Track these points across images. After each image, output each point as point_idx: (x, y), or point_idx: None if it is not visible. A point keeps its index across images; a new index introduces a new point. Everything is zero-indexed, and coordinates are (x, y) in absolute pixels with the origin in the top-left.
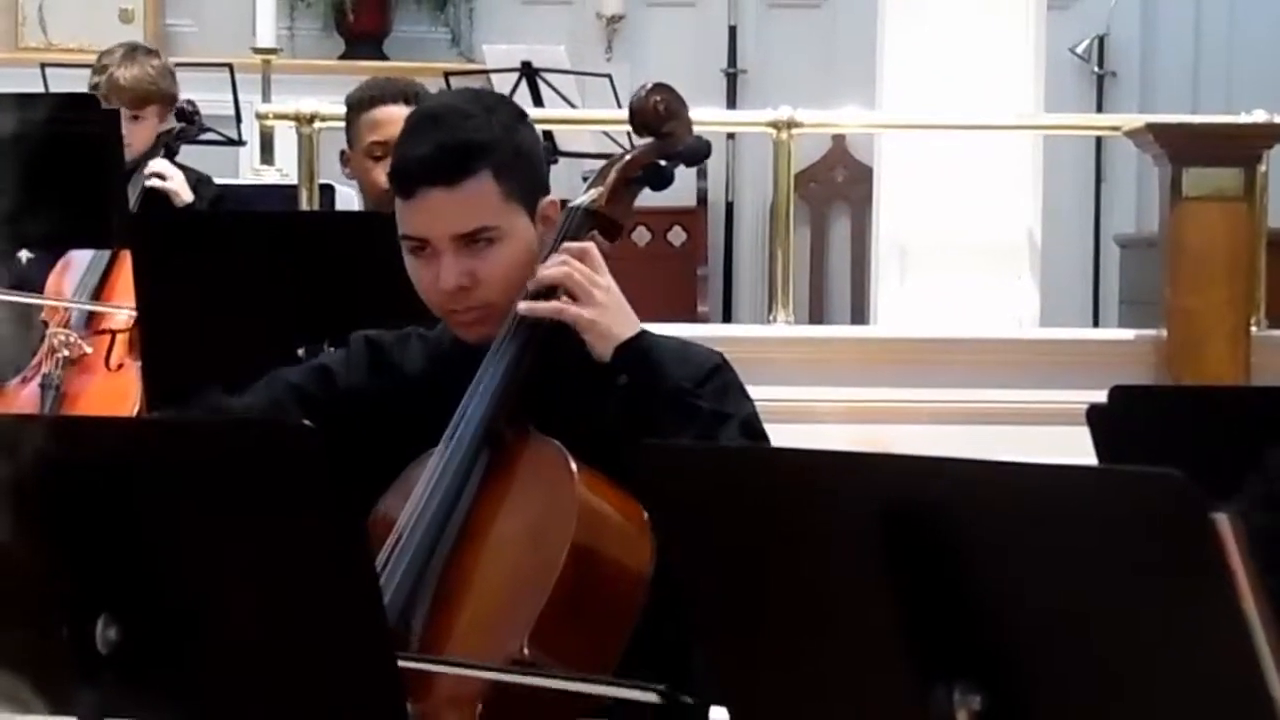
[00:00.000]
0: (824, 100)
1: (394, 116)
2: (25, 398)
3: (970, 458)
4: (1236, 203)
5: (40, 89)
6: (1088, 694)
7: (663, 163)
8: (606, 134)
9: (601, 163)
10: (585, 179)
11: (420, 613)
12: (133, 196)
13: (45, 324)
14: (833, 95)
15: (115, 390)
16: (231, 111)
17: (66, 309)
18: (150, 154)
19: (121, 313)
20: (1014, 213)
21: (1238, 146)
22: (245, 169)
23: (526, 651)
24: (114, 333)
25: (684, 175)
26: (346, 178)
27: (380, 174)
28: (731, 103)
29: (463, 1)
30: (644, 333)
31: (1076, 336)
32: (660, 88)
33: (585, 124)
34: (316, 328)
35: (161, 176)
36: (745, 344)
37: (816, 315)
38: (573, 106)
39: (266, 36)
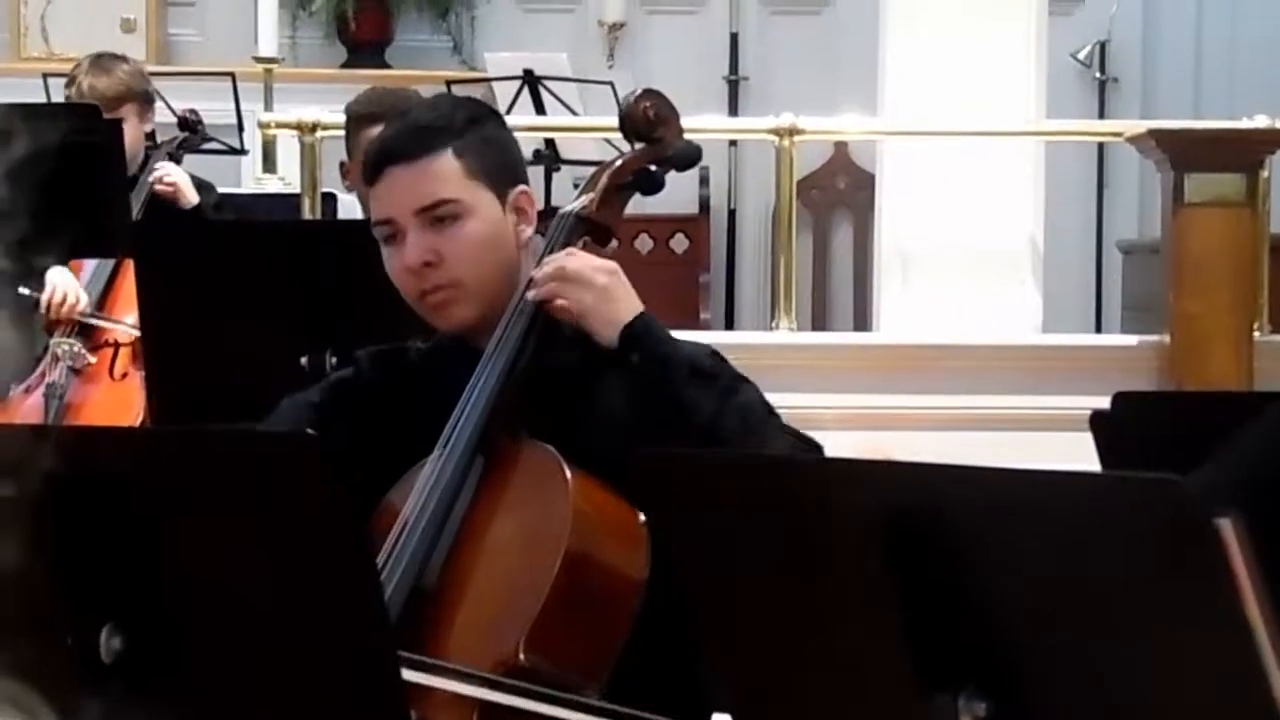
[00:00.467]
0: (826, 107)
1: None
2: (29, 408)
3: (973, 464)
4: (1239, 208)
5: (42, 99)
6: (1092, 700)
7: (653, 168)
8: (608, 141)
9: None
10: (577, 185)
11: (417, 617)
12: (136, 205)
13: (49, 333)
14: (835, 102)
15: (119, 400)
16: (234, 120)
17: (70, 318)
18: (149, 159)
19: (123, 327)
20: (1016, 219)
21: (1240, 152)
22: (247, 178)
23: (523, 655)
24: (118, 343)
25: (686, 182)
26: (346, 188)
27: None
28: (733, 110)
29: (464, 10)
30: (646, 312)
31: (1079, 343)
32: (649, 93)
33: (587, 131)
34: (319, 336)
35: (166, 185)
36: (748, 351)
37: (819, 322)
38: (575, 114)
39: (269, 45)
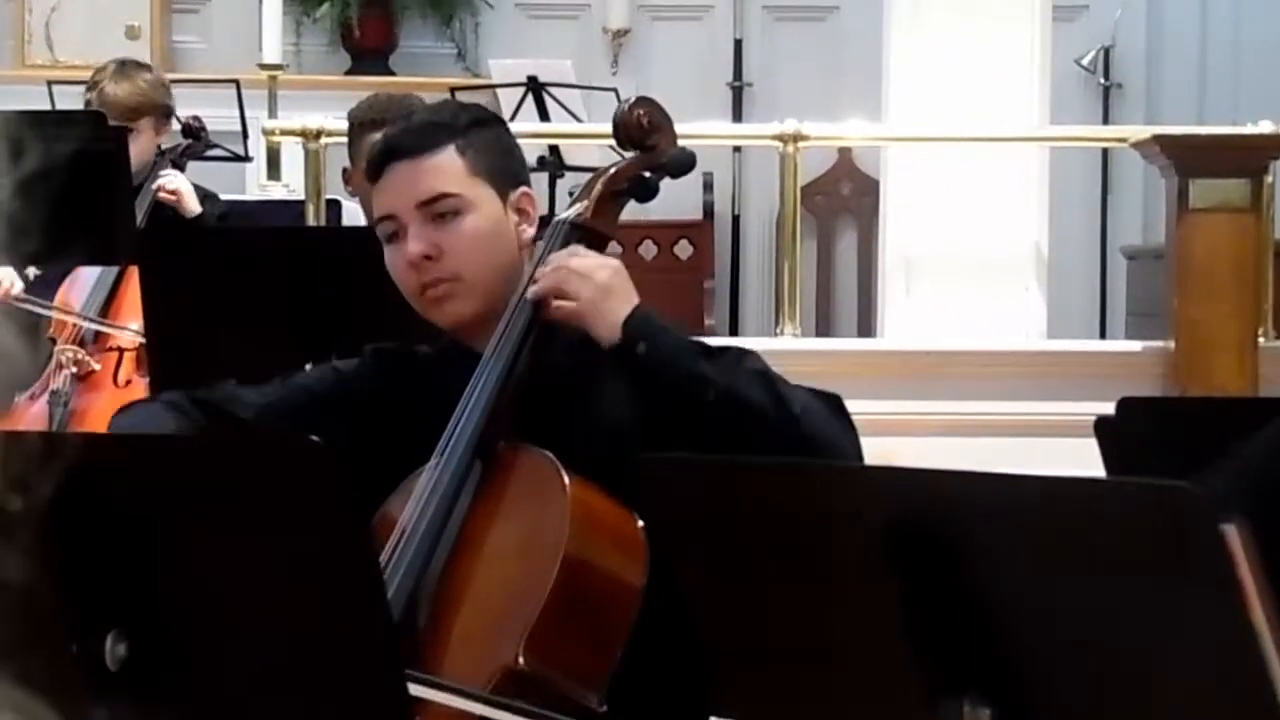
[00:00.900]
0: (830, 113)
1: None
2: (34, 414)
3: (978, 470)
4: (1243, 214)
5: (46, 106)
6: (1096, 705)
7: (648, 175)
8: (613, 148)
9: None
10: (571, 193)
11: (416, 624)
12: (140, 212)
13: (53, 340)
14: (839, 108)
15: None
16: (238, 127)
17: (75, 325)
18: (155, 168)
19: (127, 332)
20: (1021, 225)
21: (1244, 158)
22: (252, 185)
23: (522, 660)
24: (122, 350)
25: (690, 188)
26: (349, 194)
27: None
28: (737, 116)
29: (468, 16)
30: (644, 304)
31: (1084, 348)
32: (643, 101)
33: (591, 138)
34: (323, 342)
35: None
36: None
37: (823, 328)
38: (579, 121)
39: (273, 52)
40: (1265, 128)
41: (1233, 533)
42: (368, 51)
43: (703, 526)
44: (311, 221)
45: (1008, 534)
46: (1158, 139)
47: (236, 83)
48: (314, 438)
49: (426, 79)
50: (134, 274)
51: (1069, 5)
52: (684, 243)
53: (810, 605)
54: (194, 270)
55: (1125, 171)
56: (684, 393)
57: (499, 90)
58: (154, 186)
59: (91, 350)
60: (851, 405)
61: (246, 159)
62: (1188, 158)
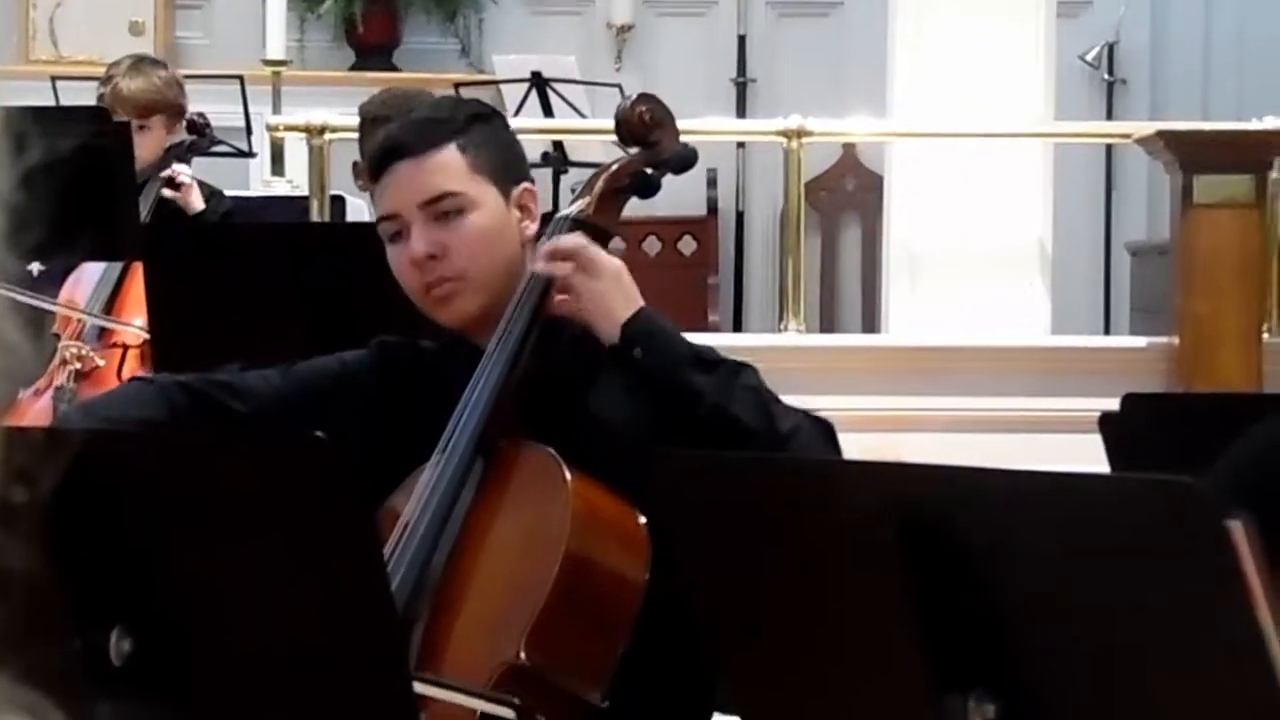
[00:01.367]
0: (834, 109)
1: None
2: (38, 411)
3: (982, 466)
4: (1248, 210)
5: (51, 101)
6: (1102, 701)
7: (649, 171)
8: (617, 144)
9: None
10: (574, 190)
11: (418, 619)
12: (144, 208)
13: (57, 336)
14: (843, 104)
15: None
16: (242, 123)
17: (79, 321)
18: (162, 165)
19: (131, 328)
20: (1025, 220)
21: (1248, 153)
22: (256, 181)
23: (524, 656)
24: (126, 346)
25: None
26: (360, 188)
27: None
28: (741, 112)
29: (472, 12)
30: (647, 305)
31: (1088, 344)
32: (645, 98)
33: (595, 134)
34: (327, 338)
35: (175, 185)
36: (756, 353)
37: (827, 324)
38: (583, 116)
39: (276, 48)
40: (1270, 123)
41: (1238, 528)
42: (371, 47)
43: (710, 521)
44: (315, 217)
45: (1012, 530)
46: (1162, 135)
47: (240, 78)
48: (318, 433)
49: (430, 75)
50: (138, 270)
51: (1073, 1)
52: (688, 238)
53: (816, 600)
54: (198, 266)
55: (1129, 167)
56: (675, 402)
57: (503, 86)
58: (164, 175)
59: (95, 346)
60: (855, 401)
61: (250, 155)
62: (1192, 153)
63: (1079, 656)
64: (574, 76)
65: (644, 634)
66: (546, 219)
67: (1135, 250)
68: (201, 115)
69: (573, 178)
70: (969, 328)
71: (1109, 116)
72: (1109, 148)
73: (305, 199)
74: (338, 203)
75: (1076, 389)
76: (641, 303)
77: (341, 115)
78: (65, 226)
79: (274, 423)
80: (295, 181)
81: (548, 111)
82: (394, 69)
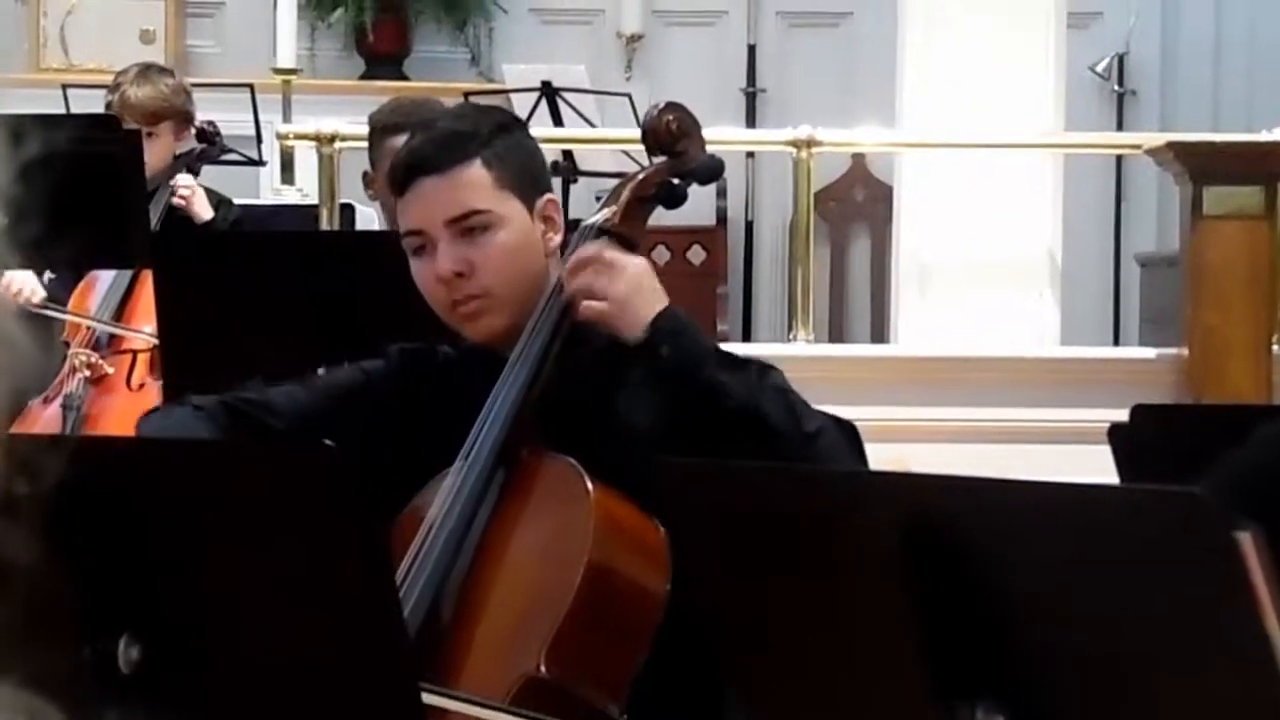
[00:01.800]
0: (844, 119)
1: None
2: (47, 418)
3: (991, 477)
4: (1257, 221)
5: (61, 110)
6: (1110, 712)
7: (676, 181)
8: (626, 153)
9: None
10: (599, 198)
11: (438, 630)
12: (154, 216)
13: (67, 344)
14: (852, 114)
15: (137, 410)
16: (252, 132)
17: (89, 329)
18: (171, 173)
19: (141, 335)
20: (1034, 231)
21: (1258, 165)
22: (266, 189)
23: (544, 668)
24: (135, 353)
25: (703, 194)
26: (370, 198)
27: None
28: (751, 121)
29: (482, 21)
30: (672, 305)
31: (1097, 355)
32: (672, 106)
33: (605, 143)
34: (337, 347)
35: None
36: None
37: (836, 334)
38: (592, 126)
39: (287, 57)
40: (1279, 135)
41: (1247, 540)
42: (382, 56)
43: (716, 529)
44: (325, 226)
45: (1021, 540)
46: (1172, 146)
47: (251, 87)
48: (329, 443)
49: (440, 84)
50: (148, 277)
51: (1083, 12)
52: (697, 248)
53: (825, 609)
54: (208, 273)
55: (1139, 178)
56: (703, 399)
57: (513, 95)
58: (166, 192)
59: (105, 353)
60: (864, 411)
61: (260, 163)
62: (1202, 165)
63: (1087, 667)
64: (584, 86)
65: (663, 646)
66: (569, 229)
67: (1145, 261)
68: (211, 123)
69: (582, 187)
70: (978, 338)
71: (1119, 127)
72: (1119, 158)
73: (315, 208)
74: (347, 211)
75: (1085, 400)
76: (667, 300)
77: (351, 124)
78: (76, 234)
79: (304, 435)
80: (305, 190)
81: (557, 121)
82: (404, 78)
